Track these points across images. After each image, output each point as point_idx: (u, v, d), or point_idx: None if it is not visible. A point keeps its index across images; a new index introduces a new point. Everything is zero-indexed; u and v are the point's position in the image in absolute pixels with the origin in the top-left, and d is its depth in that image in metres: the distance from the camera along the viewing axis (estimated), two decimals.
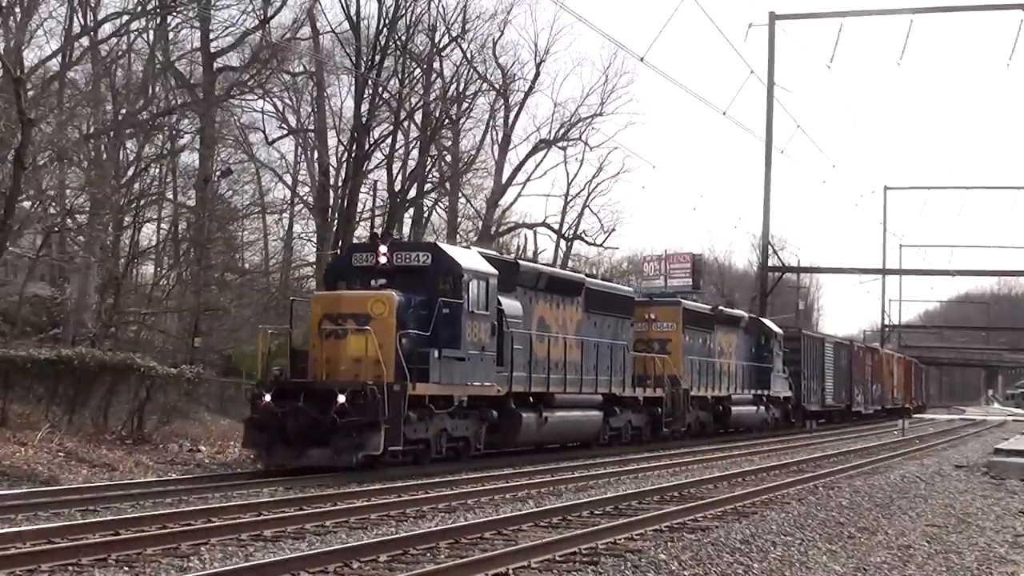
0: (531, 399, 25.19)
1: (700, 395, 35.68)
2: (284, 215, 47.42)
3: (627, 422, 30.67)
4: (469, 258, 23.24)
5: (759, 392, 41.51)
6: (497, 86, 51.56)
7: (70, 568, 11.12)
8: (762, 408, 41.65)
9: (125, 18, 34.89)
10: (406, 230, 44.41)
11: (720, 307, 42.29)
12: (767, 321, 45.60)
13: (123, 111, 35.68)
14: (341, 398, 19.95)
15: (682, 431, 33.87)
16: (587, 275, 31.98)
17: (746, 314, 44.23)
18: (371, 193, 47.64)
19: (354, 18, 43.06)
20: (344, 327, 20.95)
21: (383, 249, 22.38)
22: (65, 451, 21.75)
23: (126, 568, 11.22)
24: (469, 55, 48.78)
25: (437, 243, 24.86)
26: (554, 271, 29.09)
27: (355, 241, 37.27)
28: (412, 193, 47.90)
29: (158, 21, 36.04)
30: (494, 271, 23.41)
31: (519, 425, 24.52)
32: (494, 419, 23.68)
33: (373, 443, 19.88)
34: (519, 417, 24.51)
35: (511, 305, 24.50)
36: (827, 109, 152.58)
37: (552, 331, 26.55)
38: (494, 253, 27.90)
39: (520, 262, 26.53)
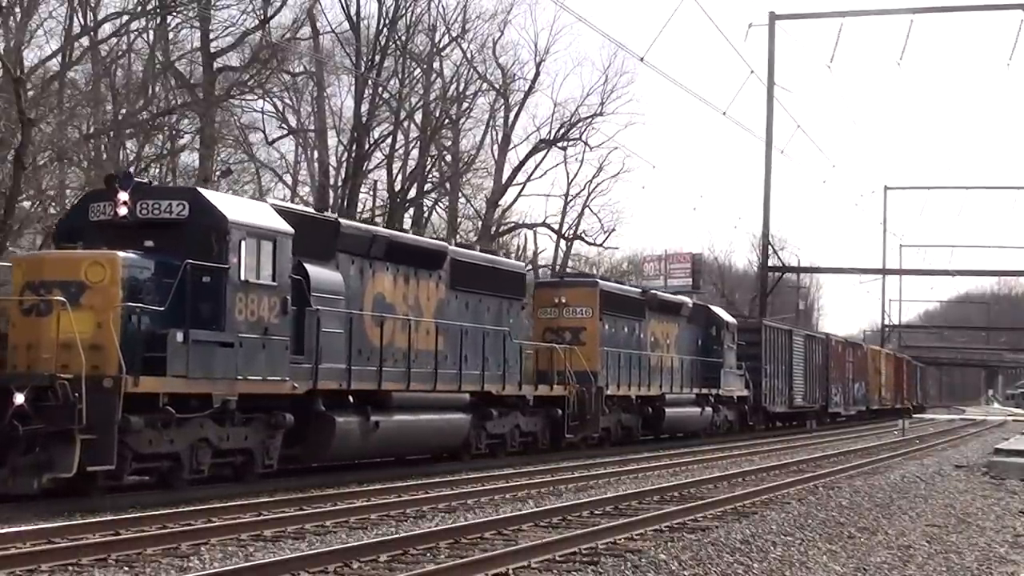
0: (352, 398, 19.78)
1: (622, 394, 30.43)
2: None
3: (513, 427, 25.28)
4: (244, 209, 17.75)
5: (705, 391, 36.06)
6: (497, 86, 51.64)
7: (70, 568, 11.11)
8: (708, 410, 36.18)
9: (125, 18, 34.99)
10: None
11: (655, 291, 36.42)
12: (717, 309, 40.66)
13: (123, 111, 35.75)
14: (19, 398, 14.61)
15: (595, 438, 28.77)
16: (460, 244, 26.88)
17: (689, 300, 38.57)
18: (371, 193, 47.73)
19: (354, 18, 43.19)
20: (48, 300, 15.49)
21: (123, 197, 16.75)
22: None
23: (126, 568, 11.21)
24: (469, 55, 48.94)
25: (198, 189, 18.67)
26: (398, 235, 23.05)
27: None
28: (412, 193, 48.01)
29: (158, 21, 36.13)
30: (286, 228, 17.88)
31: (332, 433, 19.00)
32: (291, 425, 18.11)
33: (64, 461, 14.56)
34: (331, 422, 18.97)
35: (324, 276, 19.23)
36: (827, 109, 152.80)
37: (397, 311, 21.29)
38: (305, 208, 22.59)
39: (343, 221, 20.89)
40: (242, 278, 16.86)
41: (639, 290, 34.42)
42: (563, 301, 29.59)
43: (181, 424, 16.25)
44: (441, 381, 22.22)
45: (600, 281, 31.79)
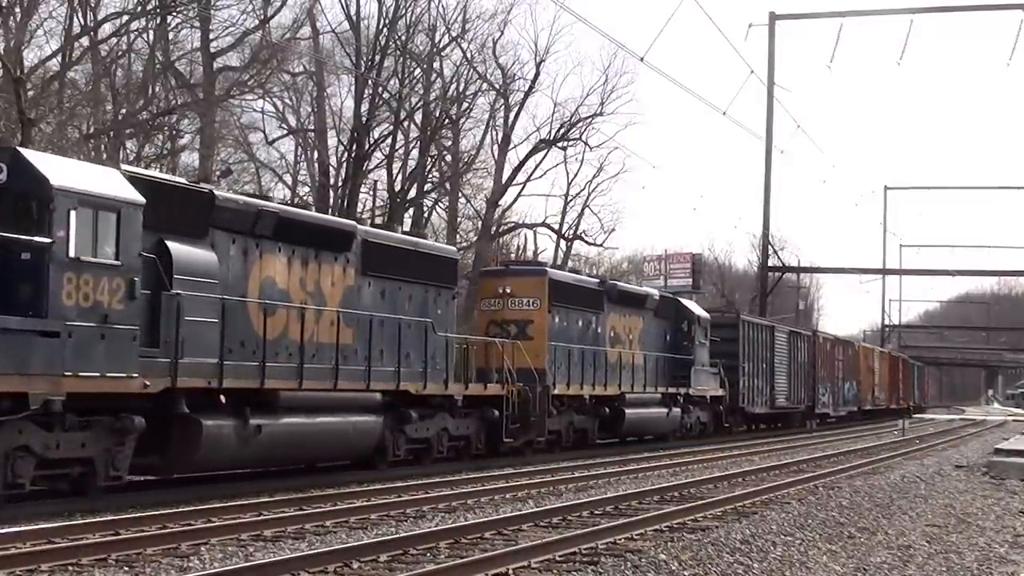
0: (227, 398, 16.97)
1: (573, 394, 27.70)
2: None
3: (440, 431, 22.53)
4: (77, 174, 14.94)
5: (674, 391, 33.29)
6: (497, 86, 51.63)
7: (70, 568, 11.11)
8: (676, 410, 33.41)
9: (125, 18, 35.04)
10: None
11: (616, 281, 33.99)
12: (688, 302, 37.29)
13: (123, 111, 35.78)
14: None
15: (540, 441, 26.23)
16: (375, 225, 23.77)
17: (656, 292, 35.20)
18: (371, 193, 47.74)
19: (354, 18, 43.24)
20: None
21: None
22: None
23: (126, 568, 11.21)
24: (469, 55, 48.93)
25: (19, 149, 15.31)
26: (291, 210, 19.78)
27: None
28: (412, 193, 48.02)
29: (158, 21, 36.18)
30: (135, 198, 15.17)
31: (197, 438, 16.39)
32: (144, 430, 15.43)
33: None
34: (197, 426, 16.34)
35: (192, 256, 16.61)
36: (827, 109, 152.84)
37: (291, 299, 18.79)
38: (169, 177, 19.30)
39: (219, 193, 17.94)
40: (72, 255, 14.26)
41: (596, 280, 31.89)
42: (508, 291, 27.08)
43: None
44: (344, 379, 19.52)
45: (549, 269, 29.20)
